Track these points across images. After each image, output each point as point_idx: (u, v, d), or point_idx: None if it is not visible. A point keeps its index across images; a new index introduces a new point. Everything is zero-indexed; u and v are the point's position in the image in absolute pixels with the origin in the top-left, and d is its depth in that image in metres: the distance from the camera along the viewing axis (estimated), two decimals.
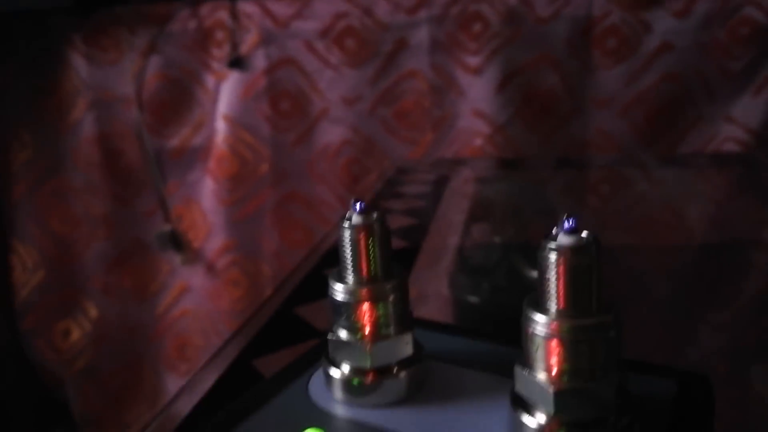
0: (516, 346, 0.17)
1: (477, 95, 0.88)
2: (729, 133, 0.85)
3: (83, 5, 0.90)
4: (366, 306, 0.18)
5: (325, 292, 0.19)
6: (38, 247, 0.96)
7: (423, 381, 0.20)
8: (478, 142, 0.89)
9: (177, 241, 0.96)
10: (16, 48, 0.93)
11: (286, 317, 0.39)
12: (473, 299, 0.48)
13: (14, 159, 0.94)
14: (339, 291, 0.19)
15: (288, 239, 0.94)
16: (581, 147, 0.88)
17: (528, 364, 0.16)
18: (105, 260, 0.96)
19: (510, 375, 0.17)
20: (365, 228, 0.18)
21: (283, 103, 0.91)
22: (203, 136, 0.94)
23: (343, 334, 0.19)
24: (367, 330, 0.18)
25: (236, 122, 0.91)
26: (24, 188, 0.95)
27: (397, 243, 0.53)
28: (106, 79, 0.93)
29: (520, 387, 0.16)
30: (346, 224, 0.18)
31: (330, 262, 0.47)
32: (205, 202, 0.95)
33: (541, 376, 0.16)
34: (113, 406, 0.99)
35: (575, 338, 0.15)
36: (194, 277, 0.97)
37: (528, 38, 0.86)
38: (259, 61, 0.90)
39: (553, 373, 0.16)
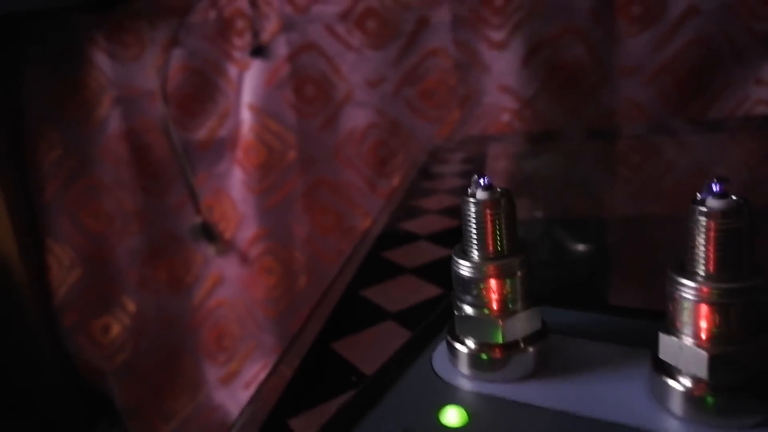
0: (631, 316, 0.17)
1: (502, 70, 0.87)
2: (760, 95, 0.84)
3: (103, 2, 0.89)
4: (497, 282, 0.18)
5: (388, 274, 0.19)
6: (73, 245, 0.97)
7: (549, 354, 0.20)
8: (506, 117, 0.88)
9: (209, 233, 0.96)
10: (39, 48, 0.93)
11: (354, 300, 0.39)
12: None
13: (44, 159, 0.95)
14: (466, 267, 0.19)
15: (319, 225, 0.95)
16: (610, 117, 0.88)
17: (675, 329, 0.16)
18: (139, 254, 0.97)
19: (633, 345, 0.17)
20: (492, 203, 0.18)
21: (307, 89, 0.91)
22: (229, 127, 0.94)
23: (470, 310, 0.19)
24: (498, 305, 0.19)
25: (261, 111, 0.91)
26: (55, 187, 0.95)
27: (445, 223, 0.53)
28: (129, 75, 0.93)
29: (665, 353, 0.17)
30: (472, 200, 0.18)
31: (384, 245, 0.47)
32: (234, 192, 0.95)
33: (692, 340, 0.16)
34: (155, 398, 1.00)
35: (728, 302, 0.15)
36: (228, 267, 0.97)
37: (551, 9, 0.85)
38: (281, 48, 0.90)
39: (705, 337, 0.16)
